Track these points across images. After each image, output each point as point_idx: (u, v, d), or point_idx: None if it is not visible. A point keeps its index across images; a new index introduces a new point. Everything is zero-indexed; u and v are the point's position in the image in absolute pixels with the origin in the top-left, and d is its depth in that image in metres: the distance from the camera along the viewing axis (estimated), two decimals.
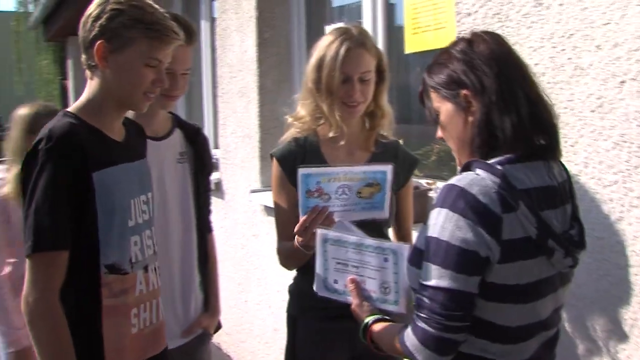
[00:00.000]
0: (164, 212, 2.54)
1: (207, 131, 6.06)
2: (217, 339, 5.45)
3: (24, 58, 15.97)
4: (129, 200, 2.05)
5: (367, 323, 1.84)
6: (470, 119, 1.65)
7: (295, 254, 2.28)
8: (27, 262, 1.89)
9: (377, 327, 1.82)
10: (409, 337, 1.60)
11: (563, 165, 1.77)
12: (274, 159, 2.44)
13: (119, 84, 1.99)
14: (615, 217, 2.12)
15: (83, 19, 1.99)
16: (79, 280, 1.95)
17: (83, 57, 2.02)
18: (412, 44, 3.35)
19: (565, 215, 1.68)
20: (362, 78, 2.30)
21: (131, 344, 2.07)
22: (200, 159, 2.67)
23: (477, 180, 1.56)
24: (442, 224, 1.55)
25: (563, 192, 1.69)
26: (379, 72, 2.38)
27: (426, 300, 1.57)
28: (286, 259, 2.46)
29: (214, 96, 5.50)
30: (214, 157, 5.51)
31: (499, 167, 1.56)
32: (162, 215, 2.53)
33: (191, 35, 2.44)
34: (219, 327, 2.86)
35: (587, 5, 2.14)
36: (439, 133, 1.80)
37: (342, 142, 2.38)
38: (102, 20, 1.94)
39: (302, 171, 2.16)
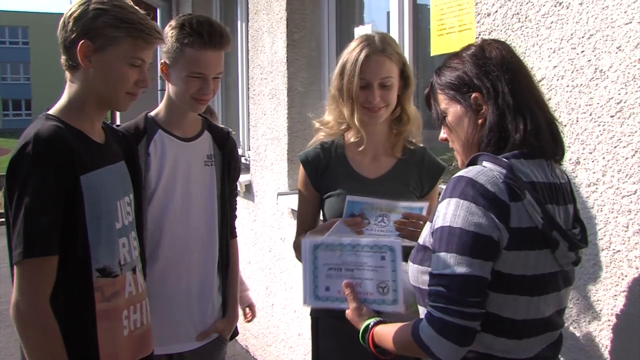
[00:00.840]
0: (188, 212, 2.53)
1: (241, 132, 6.05)
2: (245, 342, 5.43)
3: None
4: (115, 203, 2.03)
5: (369, 325, 1.81)
6: (480, 121, 1.69)
7: None
8: (16, 269, 1.84)
9: (381, 328, 1.79)
10: (425, 330, 1.58)
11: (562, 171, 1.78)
12: (300, 161, 2.52)
13: (102, 83, 1.97)
14: (634, 230, 1.99)
15: (63, 19, 1.97)
16: (72, 286, 1.92)
17: (63, 58, 1.99)
18: (438, 46, 3.26)
19: (568, 214, 1.70)
20: (383, 84, 2.32)
21: (123, 346, 2.04)
22: (228, 164, 2.66)
23: (484, 171, 1.59)
24: (453, 212, 1.56)
25: (565, 192, 1.70)
26: (404, 77, 2.39)
27: (442, 289, 1.56)
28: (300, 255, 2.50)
29: (248, 97, 5.48)
30: (247, 159, 5.52)
31: (504, 159, 1.60)
32: (185, 215, 2.53)
33: (223, 39, 2.42)
34: (235, 333, 2.82)
35: (607, 4, 2.02)
36: (443, 135, 1.82)
37: (367, 148, 2.41)
38: (85, 20, 1.92)
39: (349, 198, 2.25)
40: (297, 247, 2.53)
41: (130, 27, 1.94)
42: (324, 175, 2.46)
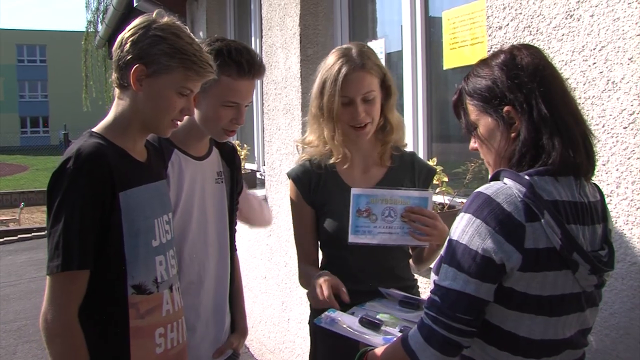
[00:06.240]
0: (205, 231, 2.52)
1: (256, 148, 6.08)
2: (262, 357, 5.43)
3: (92, 76, 16.35)
4: (153, 220, 2.04)
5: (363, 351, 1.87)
6: (513, 135, 1.63)
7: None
8: (49, 280, 1.87)
9: (377, 350, 1.82)
10: (414, 336, 1.63)
11: (598, 187, 1.71)
12: (290, 179, 2.48)
13: (149, 108, 2.01)
14: None
15: (121, 38, 2.00)
16: (107, 301, 1.95)
17: (115, 75, 2.03)
18: (450, 60, 3.27)
19: (595, 234, 1.63)
20: (365, 98, 2.31)
21: None
22: (235, 179, 2.66)
23: (504, 189, 1.56)
24: (463, 228, 1.56)
25: (594, 211, 1.63)
26: (385, 87, 2.38)
27: (438, 299, 1.59)
28: (308, 286, 2.38)
29: (262, 113, 5.51)
30: (262, 174, 5.55)
31: (526, 177, 1.55)
32: (202, 234, 2.51)
33: (262, 68, 2.40)
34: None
35: (618, 16, 2.02)
36: (473, 144, 1.77)
37: (356, 160, 2.42)
38: (142, 44, 1.96)
39: (354, 191, 2.22)
40: (301, 277, 2.52)
41: (184, 58, 1.97)
42: (316, 191, 2.45)
